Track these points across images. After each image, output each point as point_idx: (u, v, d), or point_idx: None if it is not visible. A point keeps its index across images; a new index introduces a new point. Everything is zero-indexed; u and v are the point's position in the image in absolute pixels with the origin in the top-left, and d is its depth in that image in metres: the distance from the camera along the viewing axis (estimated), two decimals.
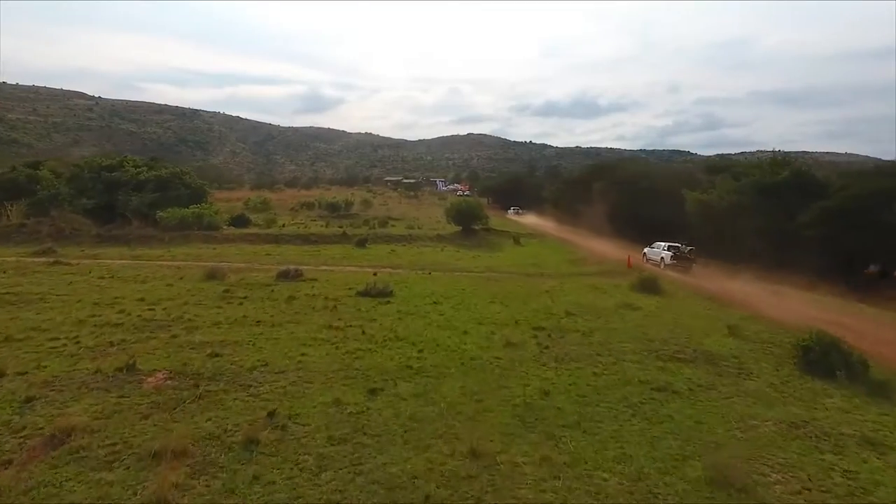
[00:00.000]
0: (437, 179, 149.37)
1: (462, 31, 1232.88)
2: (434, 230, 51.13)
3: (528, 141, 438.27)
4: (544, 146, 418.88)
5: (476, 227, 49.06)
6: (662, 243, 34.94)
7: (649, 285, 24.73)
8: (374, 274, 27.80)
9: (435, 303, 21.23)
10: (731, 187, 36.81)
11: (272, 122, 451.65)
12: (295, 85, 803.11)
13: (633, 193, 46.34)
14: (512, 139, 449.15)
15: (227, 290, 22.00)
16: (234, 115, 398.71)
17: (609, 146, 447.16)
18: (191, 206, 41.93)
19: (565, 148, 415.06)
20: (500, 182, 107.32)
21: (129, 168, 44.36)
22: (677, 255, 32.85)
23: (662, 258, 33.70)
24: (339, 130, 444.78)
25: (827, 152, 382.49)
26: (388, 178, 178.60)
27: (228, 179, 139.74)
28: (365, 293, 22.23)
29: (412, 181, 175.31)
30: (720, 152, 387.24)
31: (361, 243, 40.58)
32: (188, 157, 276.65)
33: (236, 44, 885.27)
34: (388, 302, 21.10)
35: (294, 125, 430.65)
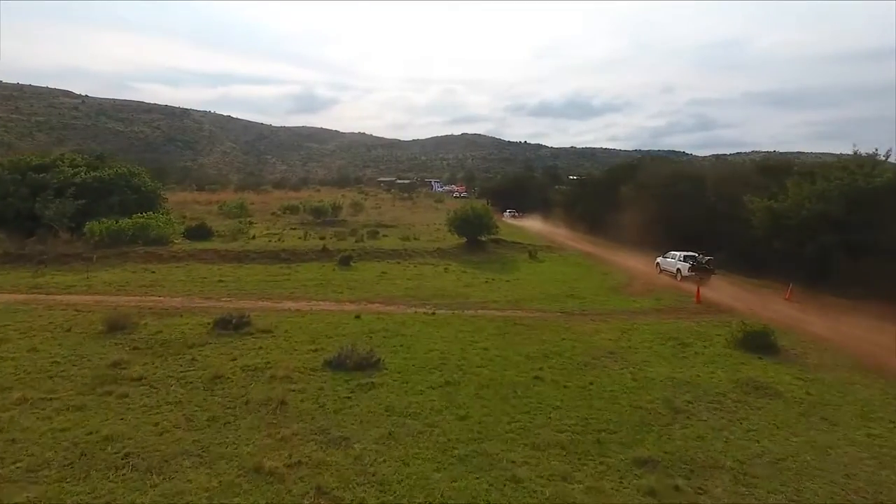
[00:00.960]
0: (433, 180, 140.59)
1: (457, 31, 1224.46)
2: (433, 241, 42.97)
3: (522, 141, 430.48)
4: (539, 146, 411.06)
5: (483, 239, 40.97)
6: (677, 252, 31.76)
7: (759, 340, 16.60)
8: (357, 317, 19.66)
9: (446, 383, 13.09)
10: (812, 193, 28.83)
11: (265, 122, 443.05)
12: (289, 85, 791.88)
13: (673, 198, 38.31)
14: (507, 139, 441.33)
15: (117, 364, 13.70)
16: (225, 114, 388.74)
17: (603, 146, 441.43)
18: (135, 216, 33.54)
19: (560, 148, 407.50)
20: (500, 183, 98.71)
21: (63, 168, 35.78)
22: (695, 267, 29.69)
23: (678, 269, 30.78)
24: (332, 130, 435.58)
25: (823, 153, 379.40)
26: (381, 179, 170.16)
27: (212, 180, 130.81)
28: (337, 364, 14.10)
29: (406, 182, 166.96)
30: (715, 153, 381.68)
31: (345, 262, 32.34)
32: (177, 156, 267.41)
33: (231, 44, 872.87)
34: (372, 385, 12.94)
35: (287, 125, 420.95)
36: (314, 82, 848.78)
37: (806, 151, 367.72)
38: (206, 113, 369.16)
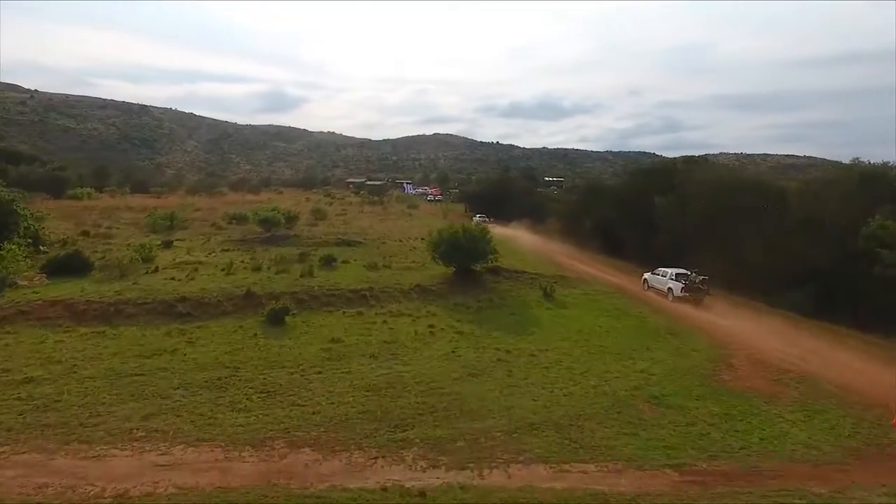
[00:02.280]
0: (404, 182, 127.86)
1: (428, 32, 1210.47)
2: (410, 268, 31.58)
3: (495, 141, 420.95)
4: (512, 147, 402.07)
5: (477, 268, 29.74)
6: (668, 269, 28.51)
7: None
8: None
9: None
10: None
11: (230, 121, 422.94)
12: (257, 83, 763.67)
13: (736, 213, 27.84)
14: (479, 139, 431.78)
15: None
16: (187, 111, 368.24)
17: (574, 147, 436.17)
18: None
19: (532, 149, 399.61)
20: (479, 187, 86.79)
21: None
22: (689, 287, 26.86)
23: (670, 289, 27.75)
24: (300, 129, 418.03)
25: (787, 155, 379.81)
26: (350, 180, 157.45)
27: (161, 181, 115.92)
28: None
29: (377, 184, 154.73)
30: (683, 153, 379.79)
31: (276, 318, 20.65)
32: (133, 155, 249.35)
33: (198, 40, 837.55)
34: None
35: (253, 123, 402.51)
36: (284, 81, 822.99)
37: (772, 153, 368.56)
38: (166, 110, 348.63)
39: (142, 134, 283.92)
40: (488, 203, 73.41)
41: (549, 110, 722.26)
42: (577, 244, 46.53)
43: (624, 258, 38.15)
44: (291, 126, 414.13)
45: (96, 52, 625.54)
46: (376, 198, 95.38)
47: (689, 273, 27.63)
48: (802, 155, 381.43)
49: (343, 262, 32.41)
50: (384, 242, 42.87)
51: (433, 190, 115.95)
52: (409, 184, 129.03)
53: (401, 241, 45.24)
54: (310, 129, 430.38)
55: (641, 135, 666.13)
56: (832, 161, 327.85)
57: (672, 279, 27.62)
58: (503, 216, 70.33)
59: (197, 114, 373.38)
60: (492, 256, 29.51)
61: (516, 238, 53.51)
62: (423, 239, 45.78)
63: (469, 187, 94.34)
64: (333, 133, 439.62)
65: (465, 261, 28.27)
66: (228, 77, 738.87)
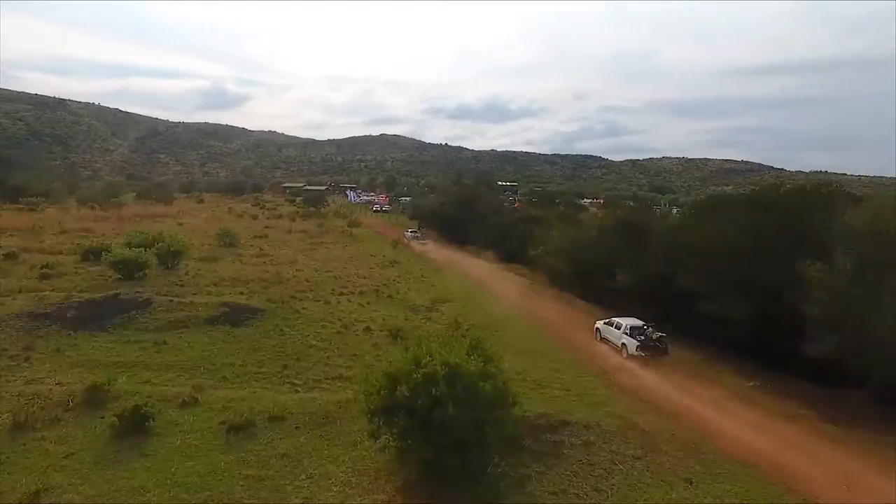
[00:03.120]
0: (348, 188, 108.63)
1: (375, 31, 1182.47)
2: (335, 397, 15.62)
3: (444, 143, 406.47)
4: (460, 149, 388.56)
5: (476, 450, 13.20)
6: (623, 321, 23.25)
7: None
8: None
9: None
10: None
11: (166, 118, 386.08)
12: (198, 79, 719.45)
13: None
14: (427, 141, 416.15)
15: None
16: (114, 107, 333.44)
17: (522, 150, 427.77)
18: None
19: (481, 151, 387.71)
20: (445, 202, 66.47)
21: None
22: (645, 344, 21.69)
23: (624, 344, 22.56)
24: (238, 128, 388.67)
25: (726, 159, 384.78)
26: (287, 185, 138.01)
27: (37, 190, 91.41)
28: None
29: (317, 189, 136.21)
30: (629, 158, 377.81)
31: None
32: (42, 153, 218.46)
33: (134, 33, 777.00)
34: None
35: (187, 121, 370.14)
36: (225, 77, 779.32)
37: (711, 158, 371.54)
38: (87, 105, 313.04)
39: (55, 130, 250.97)
40: (452, 225, 57.38)
41: (497, 113, 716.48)
42: (598, 303, 31.34)
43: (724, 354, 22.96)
44: (229, 124, 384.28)
45: (20, 45, 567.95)
46: (314, 208, 77.86)
47: (645, 326, 22.92)
48: (740, 160, 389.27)
49: (184, 403, 15.51)
50: (302, 307, 26.20)
51: (381, 197, 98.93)
52: (354, 189, 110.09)
53: (333, 295, 28.91)
54: (249, 128, 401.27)
55: (585, 138, 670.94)
56: (766, 166, 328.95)
57: (626, 333, 22.93)
58: (464, 239, 54.86)
59: (124, 110, 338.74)
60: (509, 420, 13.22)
61: (488, 283, 37.82)
62: (362, 292, 30.10)
63: (424, 202, 74.87)
64: (275, 132, 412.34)
65: (453, 445, 11.97)
66: (166, 72, 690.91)
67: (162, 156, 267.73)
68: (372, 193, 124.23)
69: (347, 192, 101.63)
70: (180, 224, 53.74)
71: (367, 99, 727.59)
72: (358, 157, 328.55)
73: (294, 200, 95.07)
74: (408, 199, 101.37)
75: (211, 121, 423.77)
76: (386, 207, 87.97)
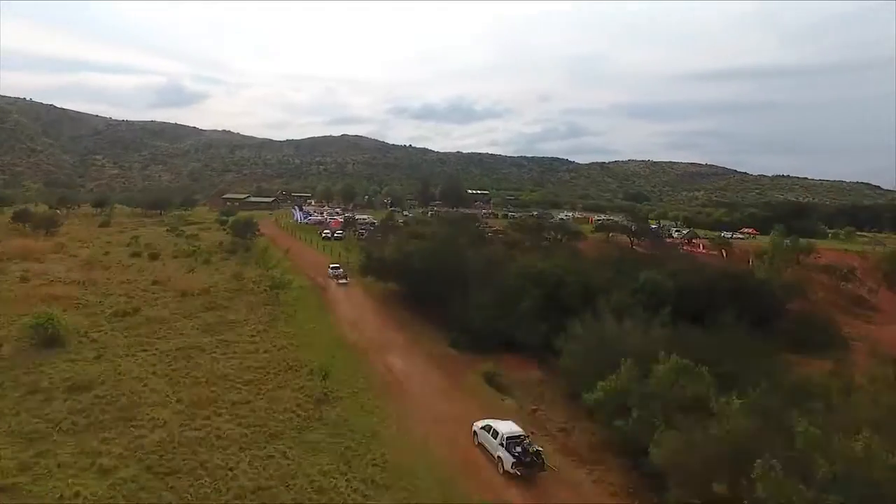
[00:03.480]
0: (298, 199, 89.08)
1: (338, 29, 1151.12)
2: None
3: (407, 145, 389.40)
4: (425, 150, 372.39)
5: None
6: (501, 427, 19.64)
7: None
8: None
9: None
10: None
11: (116, 116, 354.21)
12: (152, 76, 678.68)
13: None
14: (390, 142, 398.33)
15: None
16: (47, 103, 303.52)
17: (488, 152, 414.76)
18: None
19: (446, 153, 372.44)
20: (413, 252, 39.60)
21: None
22: (521, 459, 18.10)
23: (500, 458, 18.87)
24: (189, 127, 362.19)
25: (691, 163, 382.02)
26: (229, 196, 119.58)
27: None
28: None
29: (264, 200, 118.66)
30: (595, 160, 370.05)
31: None
32: None
33: (85, 27, 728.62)
34: None
35: (139, 119, 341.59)
36: (182, 74, 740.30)
37: (676, 161, 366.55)
38: (16, 100, 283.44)
39: None
40: (432, 285, 38.39)
41: (461, 113, 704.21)
42: None
43: None
44: (178, 123, 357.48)
45: None
46: (241, 237, 60.56)
47: (521, 436, 19.02)
48: (704, 163, 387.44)
49: None
50: None
51: (332, 220, 79.55)
52: (302, 208, 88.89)
53: None
54: (201, 127, 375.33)
55: (549, 140, 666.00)
56: (731, 170, 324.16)
57: (502, 444, 18.83)
58: (434, 306, 37.52)
59: (59, 106, 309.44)
60: None
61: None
62: None
63: (389, 255, 48.23)
64: (229, 132, 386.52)
65: None
66: (119, 68, 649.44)
67: (99, 157, 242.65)
68: (322, 211, 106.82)
69: (295, 210, 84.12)
70: (23, 279, 36.47)
71: (330, 98, 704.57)
72: (317, 158, 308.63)
73: (226, 221, 77.44)
74: (366, 220, 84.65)
75: (166, 119, 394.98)
76: (338, 233, 70.58)
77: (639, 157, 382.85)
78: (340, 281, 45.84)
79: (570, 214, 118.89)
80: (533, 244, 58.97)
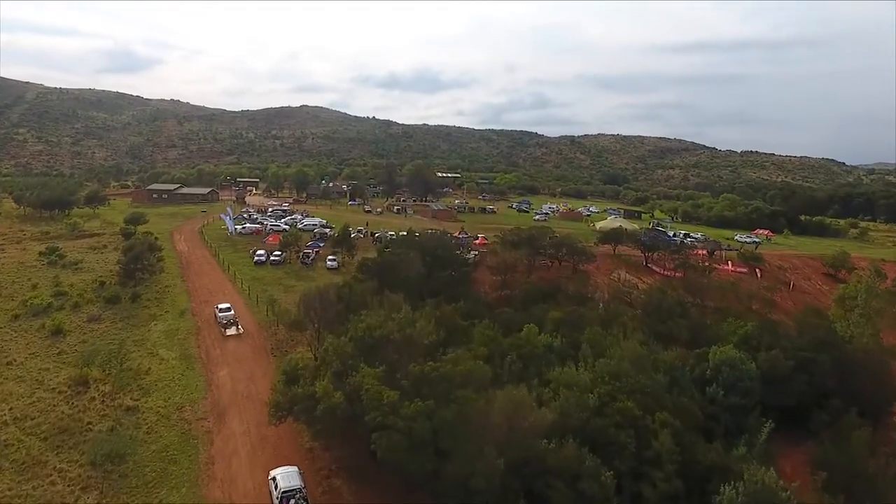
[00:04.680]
0: (228, 209, 67.21)
1: None
2: None
3: (371, 116, 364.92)
4: (389, 123, 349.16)
5: None
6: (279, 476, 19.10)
7: None
8: None
9: None
10: None
11: (61, 84, 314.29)
12: (99, 39, 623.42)
13: None
14: (353, 113, 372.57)
15: None
16: None
17: (456, 125, 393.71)
18: None
19: (412, 125, 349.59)
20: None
21: None
22: None
23: None
24: (132, 96, 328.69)
25: (661, 137, 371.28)
26: (156, 188, 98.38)
27: None
28: None
29: (199, 192, 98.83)
30: (564, 134, 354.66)
31: None
32: None
33: None
34: None
35: (74, 87, 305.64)
36: (132, 38, 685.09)
37: (646, 136, 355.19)
38: None
39: None
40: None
41: (427, 83, 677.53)
42: None
43: None
44: (119, 91, 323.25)
45: None
46: (132, 274, 42.38)
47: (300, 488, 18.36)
48: (673, 138, 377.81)
49: None
50: None
51: (269, 237, 57.68)
52: (235, 214, 66.28)
53: None
54: (146, 97, 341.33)
55: (515, 110, 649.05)
56: (699, 144, 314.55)
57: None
58: None
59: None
60: None
61: None
62: None
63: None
64: (177, 101, 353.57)
65: None
66: (59, 30, 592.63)
67: (22, 131, 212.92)
68: (267, 204, 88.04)
69: (226, 218, 65.49)
70: None
71: (292, 65, 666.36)
72: (273, 132, 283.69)
73: (131, 234, 58.35)
74: (316, 226, 66.15)
75: (112, 87, 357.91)
76: (276, 256, 50.08)
77: (606, 130, 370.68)
78: (229, 331, 32.94)
79: (555, 207, 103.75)
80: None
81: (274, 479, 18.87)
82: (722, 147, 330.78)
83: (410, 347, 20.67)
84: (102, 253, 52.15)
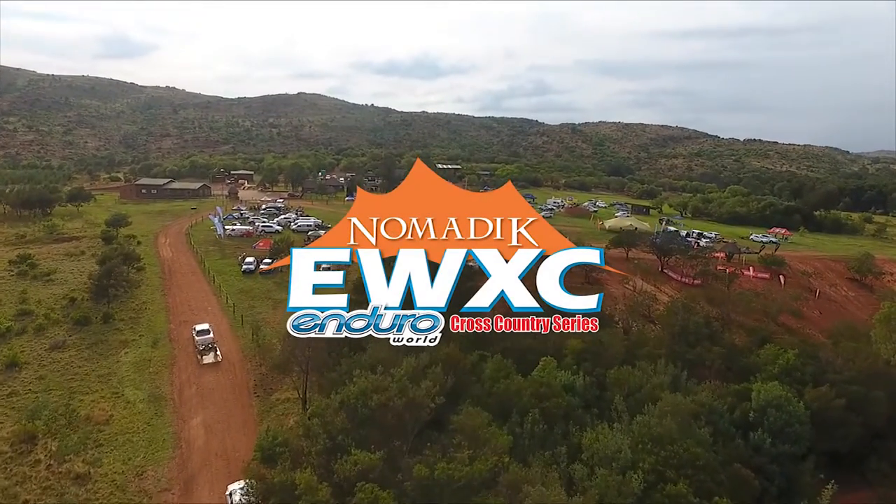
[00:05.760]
0: (218, 209, 63.20)
1: None
2: None
3: (369, 104, 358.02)
4: (388, 111, 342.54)
5: None
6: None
7: None
8: None
9: None
10: None
11: (54, 72, 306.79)
12: (96, 24, 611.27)
13: None
14: (351, 101, 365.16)
15: None
16: None
17: (455, 112, 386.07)
18: None
19: (411, 113, 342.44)
20: None
21: None
22: None
23: None
24: (126, 83, 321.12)
25: (664, 125, 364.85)
26: (144, 183, 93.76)
27: None
28: None
29: (190, 187, 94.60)
30: (565, 122, 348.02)
31: None
32: None
33: None
34: None
35: (68, 74, 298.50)
36: (129, 23, 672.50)
37: (647, 123, 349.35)
38: None
39: None
40: None
41: (426, 69, 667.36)
42: None
43: None
44: (113, 79, 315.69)
45: None
46: (105, 291, 38.35)
47: None
48: (675, 125, 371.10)
49: None
50: None
51: (260, 242, 51.47)
52: (219, 216, 61.06)
53: None
54: (141, 84, 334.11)
55: (514, 97, 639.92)
56: (701, 132, 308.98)
57: None
58: None
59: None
60: None
61: None
62: None
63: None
64: (173, 88, 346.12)
65: None
66: (55, 16, 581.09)
67: (13, 119, 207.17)
68: (261, 200, 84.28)
69: (214, 220, 61.36)
70: None
71: (290, 50, 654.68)
72: (270, 120, 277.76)
73: (111, 237, 54.57)
74: (311, 226, 62.97)
75: (105, 74, 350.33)
76: (266, 263, 45.08)
77: (606, 117, 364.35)
78: (206, 358, 29.20)
79: (560, 202, 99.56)
80: None
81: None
82: (724, 135, 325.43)
83: (414, 412, 16.86)
84: (79, 260, 48.11)
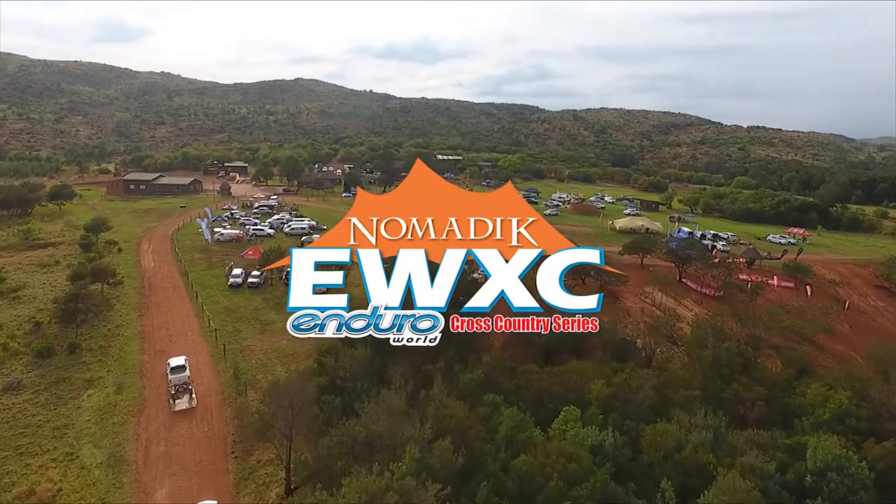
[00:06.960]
0: (207, 211, 58.17)
1: None
2: None
3: (368, 90, 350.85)
4: (387, 97, 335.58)
5: None
6: None
7: None
8: None
9: None
10: None
11: (46, 57, 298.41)
12: (91, 8, 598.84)
13: None
14: (350, 86, 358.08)
15: None
16: None
17: (455, 98, 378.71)
18: None
19: (410, 99, 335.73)
20: None
21: None
22: None
23: None
24: (119, 69, 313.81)
25: (666, 112, 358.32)
26: (132, 178, 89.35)
27: None
28: None
29: (180, 183, 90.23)
30: (566, 108, 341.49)
31: None
32: None
33: None
34: None
35: (57, 58, 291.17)
36: (125, 6, 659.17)
37: (649, 110, 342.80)
38: None
39: None
40: None
41: (426, 53, 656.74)
42: None
43: None
44: (106, 64, 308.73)
45: None
46: (73, 318, 34.81)
47: None
48: (678, 112, 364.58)
49: None
50: None
51: (251, 249, 47.79)
52: (207, 220, 55.99)
53: None
54: (135, 69, 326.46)
55: (515, 81, 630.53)
56: (704, 119, 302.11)
57: None
58: None
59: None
60: None
61: None
62: None
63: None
64: (168, 74, 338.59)
65: None
66: None
67: (3, 107, 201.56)
68: (254, 197, 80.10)
69: (202, 224, 56.93)
70: None
71: (289, 35, 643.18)
72: (267, 107, 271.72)
73: (89, 245, 50.42)
74: (306, 227, 58.97)
75: (99, 59, 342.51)
76: (255, 276, 41.72)
77: (606, 103, 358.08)
78: (178, 402, 25.87)
79: (565, 196, 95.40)
80: None
81: None
82: (726, 120, 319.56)
83: None
84: (53, 272, 44.14)
